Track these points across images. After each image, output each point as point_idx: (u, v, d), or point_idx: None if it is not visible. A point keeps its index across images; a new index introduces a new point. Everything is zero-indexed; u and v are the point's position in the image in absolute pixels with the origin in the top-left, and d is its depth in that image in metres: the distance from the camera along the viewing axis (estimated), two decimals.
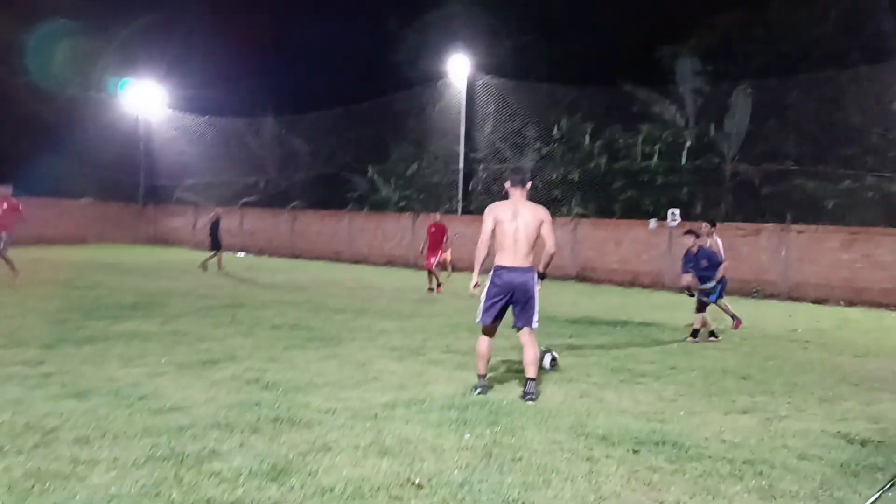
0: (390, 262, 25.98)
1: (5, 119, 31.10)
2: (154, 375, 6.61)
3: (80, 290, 13.54)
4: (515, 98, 28.04)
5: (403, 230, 26.61)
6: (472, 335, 9.84)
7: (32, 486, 3.84)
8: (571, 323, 11.92)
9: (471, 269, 6.68)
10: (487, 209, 6.54)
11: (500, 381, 6.98)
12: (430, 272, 16.42)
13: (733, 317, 11.81)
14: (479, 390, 6.40)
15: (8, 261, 14.18)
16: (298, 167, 34.86)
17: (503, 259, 6.40)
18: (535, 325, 6.43)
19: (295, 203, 31.99)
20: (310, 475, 4.18)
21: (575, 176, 27.62)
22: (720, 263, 10.54)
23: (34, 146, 31.50)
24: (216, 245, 20.72)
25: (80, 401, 5.59)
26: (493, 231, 6.40)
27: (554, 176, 27.84)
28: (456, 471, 4.36)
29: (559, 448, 4.93)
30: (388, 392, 6.35)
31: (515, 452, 4.78)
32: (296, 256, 28.76)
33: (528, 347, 6.40)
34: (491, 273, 6.45)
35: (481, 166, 29.53)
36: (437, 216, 17.47)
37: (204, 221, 24.96)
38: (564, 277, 22.30)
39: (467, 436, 5.07)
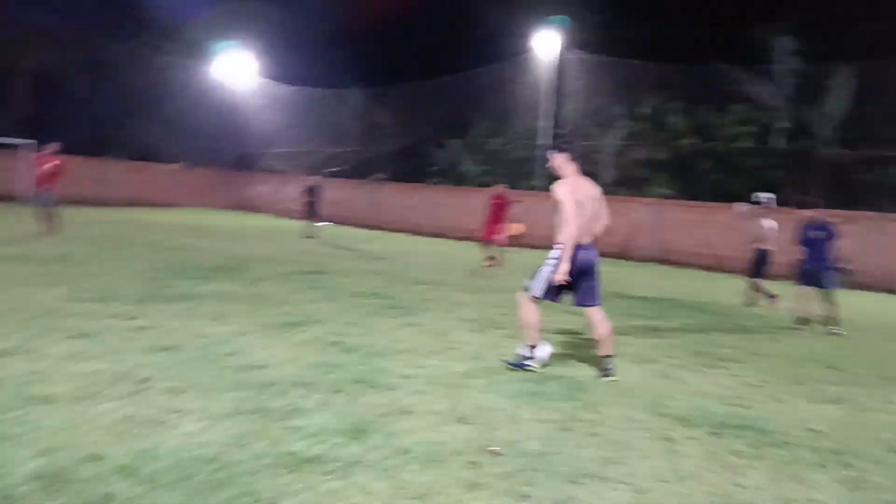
0: (469, 237, 25.99)
1: (103, 84, 32.43)
2: (240, 334, 6.82)
3: (170, 250, 14.05)
4: (602, 74, 27.54)
5: (483, 205, 26.61)
6: (551, 311, 9.81)
7: (128, 430, 4.04)
8: (652, 304, 11.73)
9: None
10: (565, 187, 6.13)
11: (579, 358, 6.94)
12: (488, 244, 16.17)
13: (771, 296, 12.09)
14: (539, 364, 6.21)
15: (52, 217, 15.10)
16: (381, 139, 35.21)
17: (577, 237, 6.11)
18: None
19: (377, 174, 32.34)
20: (389, 436, 4.26)
21: (661, 155, 27.04)
22: (835, 233, 10.07)
23: (129, 111, 32.81)
24: (312, 213, 21.31)
25: (171, 354, 5.83)
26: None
27: (639, 155, 27.33)
28: (533, 441, 4.37)
29: (637, 426, 4.88)
30: (465, 362, 6.39)
31: (592, 427, 4.76)
32: (376, 227, 29.12)
33: (603, 324, 6.25)
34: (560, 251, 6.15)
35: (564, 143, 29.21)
36: (500, 188, 16.95)
37: (296, 189, 25.59)
38: (645, 259, 21.93)
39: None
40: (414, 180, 31.04)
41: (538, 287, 6.20)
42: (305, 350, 6.37)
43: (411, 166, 33.18)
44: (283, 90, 35.72)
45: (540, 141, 28.57)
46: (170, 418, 4.30)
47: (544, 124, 28.44)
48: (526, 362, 6.18)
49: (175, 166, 33.39)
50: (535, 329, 6.22)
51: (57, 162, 15.43)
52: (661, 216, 22.48)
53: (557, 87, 28.47)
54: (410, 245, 21.87)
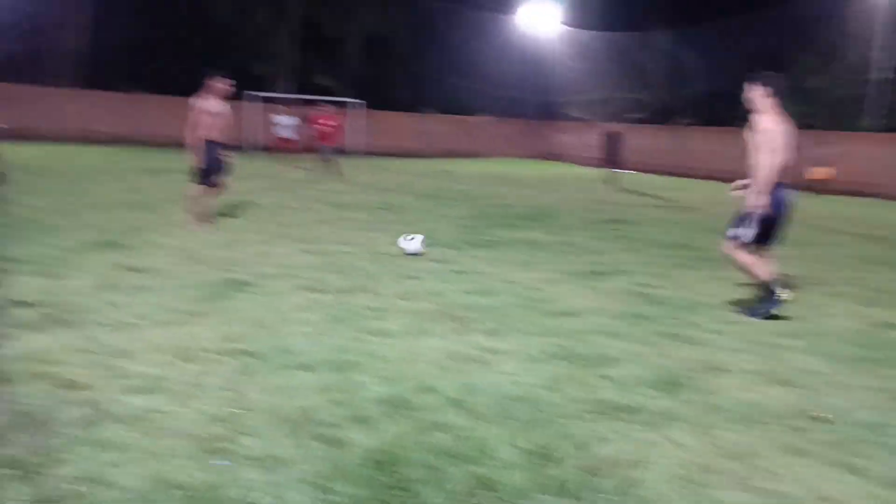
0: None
1: (423, 42, 34.79)
2: (548, 281, 7.06)
3: (481, 199, 14.83)
4: None
5: (804, 149, 24.31)
6: (881, 268, 8.84)
7: (453, 366, 4.42)
8: None
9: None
10: (773, 122, 5.87)
11: None
12: None
13: None
14: (787, 292, 5.92)
15: (336, 166, 17.66)
16: (686, 82, 33.53)
17: (779, 175, 5.85)
18: None
19: (681, 120, 30.96)
20: (702, 392, 4.17)
21: None
22: None
23: (446, 67, 34.88)
24: (614, 161, 21.50)
25: (486, 297, 6.22)
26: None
27: None
28: (865, 410, 4.01)
29: None
30: (784, 321, 6.00)
31: None
32: (682, 175, 28.03)
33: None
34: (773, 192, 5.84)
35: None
36: None
37: (597, 137, 25.67)
38: None
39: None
40: (721, 124, 29.18)
41: (749, 232, 6.04)
42: (612, 300, 6.42)
43: (719, 110, 31.18)
44: (585, 36, 35.42)
45: (873, 75, 25.25)
46: (488, 357, 4.62)
47: (879, 56, 25.03)
48: (774, 304, 5.92)
49: (485, 118, 34.96)
50: (758, 266, 6.01)
51: (334, 120, 18.08)
52: None
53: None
54: (719, 193, 20.73)
